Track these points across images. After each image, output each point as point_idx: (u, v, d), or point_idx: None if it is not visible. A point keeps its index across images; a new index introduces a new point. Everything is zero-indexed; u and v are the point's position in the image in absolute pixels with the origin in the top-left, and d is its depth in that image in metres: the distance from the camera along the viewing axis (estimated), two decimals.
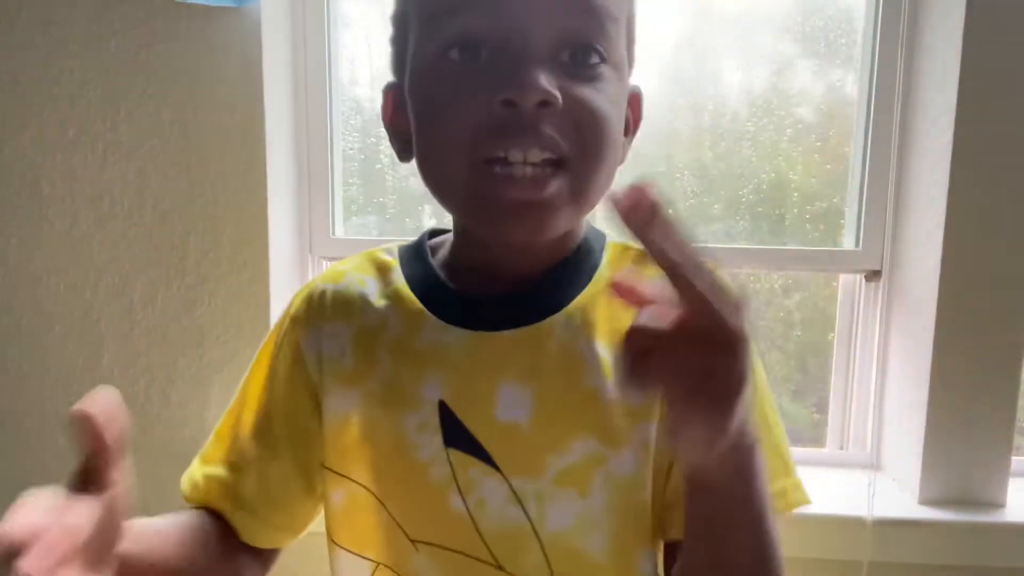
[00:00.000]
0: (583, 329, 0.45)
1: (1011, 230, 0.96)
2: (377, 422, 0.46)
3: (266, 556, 0.52)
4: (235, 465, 0.50)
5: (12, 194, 1.08)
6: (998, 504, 1.01)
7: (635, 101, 0.49)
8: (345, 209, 1.21)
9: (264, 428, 0.50)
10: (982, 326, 0.98)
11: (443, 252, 0.51)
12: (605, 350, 0.44)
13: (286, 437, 0.49)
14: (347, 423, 0.47)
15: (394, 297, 0.48)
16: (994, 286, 0.97)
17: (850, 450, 1.17)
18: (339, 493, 0.48)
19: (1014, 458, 1.02)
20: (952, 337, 0.98)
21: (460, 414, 0.44)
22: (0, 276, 1.11)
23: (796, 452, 1.16)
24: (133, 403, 1.11)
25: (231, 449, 0.51)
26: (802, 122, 1.14)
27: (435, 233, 0.53)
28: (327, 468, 0.49)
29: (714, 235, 1.17)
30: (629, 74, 0.47)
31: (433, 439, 0.44)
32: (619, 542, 0.45)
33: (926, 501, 1.02)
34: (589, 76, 0.41)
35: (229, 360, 1.09)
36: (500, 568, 0.44)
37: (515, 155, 0.39)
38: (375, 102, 1.19)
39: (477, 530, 0.43)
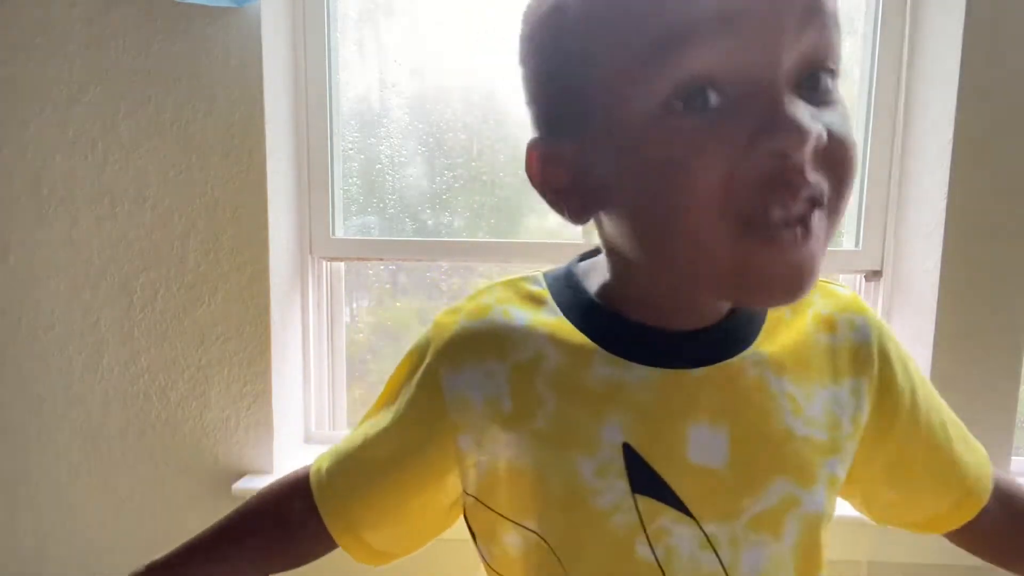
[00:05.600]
0: (771, 365, 0.42)
1: (1011, 230, 0.96)
2: (547, 465, 0.42)
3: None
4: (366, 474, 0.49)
5: (12, 194, 1.08)
6: None
7: None
8: (345, 209, 1.21)
9: (381, 457, 0.48)
10: (982, 326, 0.98)
11: (598, 279, 0.45)
12: (792, 386, 0.42)
13: (402, 469, 0.47)
14: (512, 467, 0.43)
15: (550, 329, 0.43)
16: (994, 286, 0.97)
17: None
18: (512, 538, 0.45)
19: (1014, 458, 1.02)
20: (952, 337, 0.98)
21: (649, 458, 0.40)
22: (0, 276, 1.11)
23: None
24: (133, 403, 1.11)
25: (355, 458, 0.50)
26: None
27: (582, 258, 0.48)
28: (498, 513, 0.45)
29: None
30: None
31: (616, 484, 0.40)
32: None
33: None
34: (830, 101, 0.35)
35: (229, 360, 1.09)
36: None
37: (776, 213, 0.33)
38: (375, 102, 1.19)
39: None
